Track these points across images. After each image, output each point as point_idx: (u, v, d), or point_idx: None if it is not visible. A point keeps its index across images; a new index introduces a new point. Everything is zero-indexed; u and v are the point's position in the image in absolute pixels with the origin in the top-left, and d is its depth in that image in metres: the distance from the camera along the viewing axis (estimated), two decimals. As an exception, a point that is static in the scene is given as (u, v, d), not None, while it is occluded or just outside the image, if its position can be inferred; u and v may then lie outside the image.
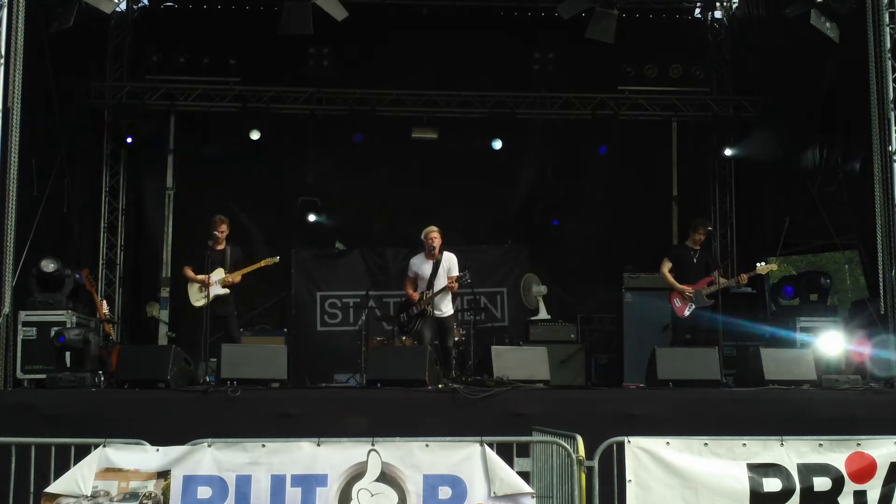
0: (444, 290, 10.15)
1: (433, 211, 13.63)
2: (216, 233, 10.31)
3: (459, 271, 10.25)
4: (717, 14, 14.55)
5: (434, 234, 10.30)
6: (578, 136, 13.89)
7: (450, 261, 10.32)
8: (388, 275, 13.71)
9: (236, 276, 10.25)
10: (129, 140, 13.49)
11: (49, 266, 10.03)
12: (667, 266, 10.43)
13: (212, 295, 9.94)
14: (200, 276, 10.12)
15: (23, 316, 9.69)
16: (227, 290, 10.23)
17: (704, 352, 9.31)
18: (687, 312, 10.29)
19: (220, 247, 10.38)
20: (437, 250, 10.29)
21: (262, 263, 10.46)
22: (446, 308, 10.33)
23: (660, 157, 14.40)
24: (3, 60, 8.88)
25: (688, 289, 10.28)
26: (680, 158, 14.47)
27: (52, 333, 9.12)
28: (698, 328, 10.36)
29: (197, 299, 10.16)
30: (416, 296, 10.28)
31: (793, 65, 12.20)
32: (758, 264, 10.43)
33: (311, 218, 13.80)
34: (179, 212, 13.91)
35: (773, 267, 10.31)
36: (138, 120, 13.44)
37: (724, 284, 10.30)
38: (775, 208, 13.18)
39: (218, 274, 10.19)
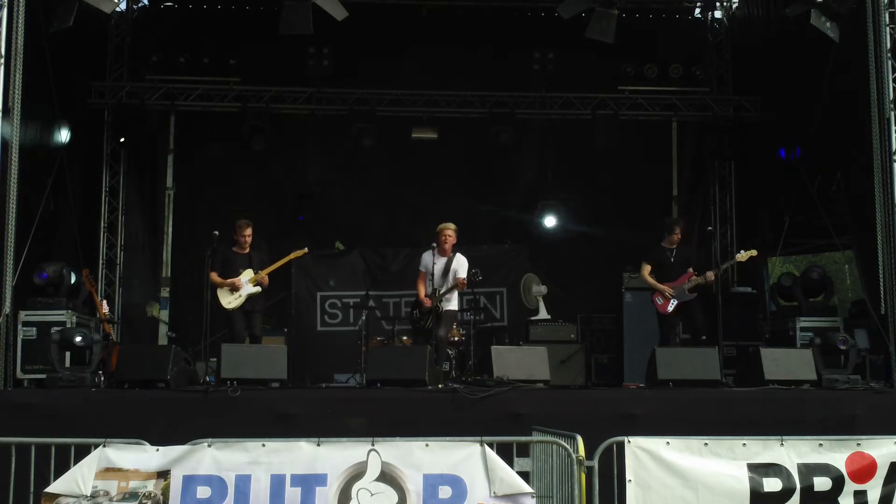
0: (452, 289, 10.19)
1: (433, 211, 13.64)
2: (241, 238, 10.30)
3: (471, 270, 10.29)
4: (717, 14, 14.56)
5: (449, 232, 10.38)
6: (578, 136, 13.88)
7: (459, 262, 10.36)
8: (388, 275, 13.71)
9: (263, 276, 10.24)
10: (122, 140, 13.46)
11: (40, 278, 10.06)
12: (646, 269, 10.59)
13: (244, 295, 10.10)
14: (228, 280, 10.11)
15: (23, 316, 9.72)
16: (258, 289, 10.23)
17: (704, 352, 9.31)
18: (670, 308, 10.38)
19: (245, 251, 10.35)
20: (449, 249, 10.34)
21: (292, 256, 10.57)
22: (450, 305, 10.35)
23: (660, 157, 14.40)
24: (3, 60, 8.88)
25: (667, 288, 10.36)
26: (680, 158, 14.48)
27: (53, 333, 9.11)
28: (693, 323, 10.44)
29: (228, 301, 10.14)
30: (427, 302, 10.30)
31: (793, 64, 12.20)
32: (737, 253, 10.44)
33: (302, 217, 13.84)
34: (179, 212, 13.92)
35: (753, 253, 10.27)
36: (138, 120, 13.43)
37: (709, 278, 10.18)
38: (775, 208, 13.18)
39: (247, 274, 10.19)
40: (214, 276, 10.10)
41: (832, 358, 9.21)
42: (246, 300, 10.16)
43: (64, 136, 12.03)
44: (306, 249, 10.74)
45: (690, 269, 10.35)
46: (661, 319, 10.57)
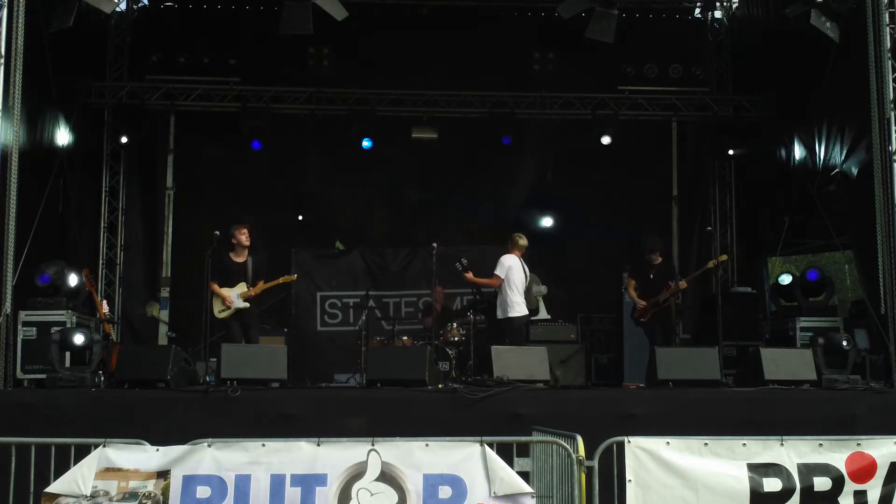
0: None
1: (433, 211, 13.68)
2: (240, 239, 10.22)
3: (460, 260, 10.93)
4: (717, 14, 14.57)
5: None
6: (578, 136, 13.88)
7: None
8: (388, 275, 13.72)
9: (255, 291, 10.24)
10: (123, 140, 13.45)
11: (42, 280, 10.04)
12: (632, 284, 11.15)
13: (234, 309, 10.12)
14: (224, 293, 10.10)
15: (23, 316, 9.70)
16: (247, 304, 10.21)
17: (704, 352, 9.31)
18: (643, 319, 10.93)
19: (241, 259, 10.29)
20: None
21: (281, 280, 10.61)
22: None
23: (660, 157, 14.41)
24: (3, 60, 8.88)
25: (641, 304, 10.85)
26: (680, 158, 14.49)
27: (53, 333, 9.10)
28: (665, 330, 10.99)
29: (219, 311, 10.18)
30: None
31: (793, 65, 12.20)
32: (709, 262, 10.79)
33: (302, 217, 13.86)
34: (179, 212, 13.92)
35: (723, 257, 10.80)
36: (138, 120, 13.43)
37: (674, 291, 10.74)
38: (775, 208, 13.18)
39: (240, 288, 10.19)
40: (214, 287, 10.12)
41: (834, 358, 9.22)
42: (235, 312, 10.18)
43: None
44: (295, 276, 11.08)
45: (670, 283, 10.76)
46: (641, 325, 11.09)
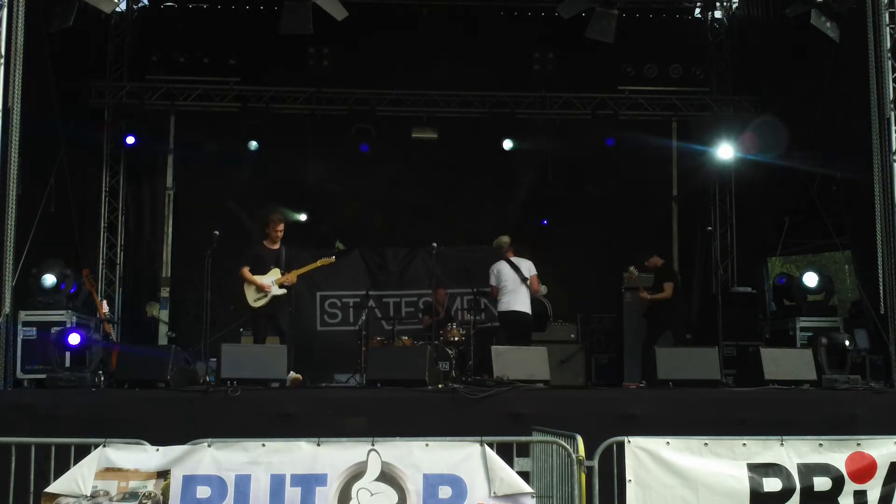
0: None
1: (433, 211, 13.67)
2: (274, 233, 10.24)
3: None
4: (717, 14, 14.57)
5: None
6: (578, 137, 13.87)
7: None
8: (388, 275, 13.71)
9: (292, 277, 10.18)
10: (128, 140, 13.45)
11: (47, 280, 10.02)
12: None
13: (270, 296, 10.04)
14: (260, 280, 10.02)
15: (23, 316, 9.70)
16: (283, 291, 10.15)
17: (704, 352, 9.31)
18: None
19: (275, 247, 10.28)
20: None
21: (319, 264, 10.57)
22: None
23: (660, 157, 14.40)
24: (3, 60, 8.88)
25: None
26: (680, 158, 14.47)
27: (53, 333, 9.11)
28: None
29: (255, 299, 10.08)
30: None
31: (793, 64, 12.19)
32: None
33: (303, 217, 13.85)
34: (179, 212, 13.92)
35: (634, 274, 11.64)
36: (138, 120, 13.43)
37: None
38: (775, 208, 13.17)
39: (274, 274, 10.12)
40: (246, 273, 10.04)
41: (834, 358, 9.23)
42: (271, 301, 10.09)
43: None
44: (333, 258, 10.78)
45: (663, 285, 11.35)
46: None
